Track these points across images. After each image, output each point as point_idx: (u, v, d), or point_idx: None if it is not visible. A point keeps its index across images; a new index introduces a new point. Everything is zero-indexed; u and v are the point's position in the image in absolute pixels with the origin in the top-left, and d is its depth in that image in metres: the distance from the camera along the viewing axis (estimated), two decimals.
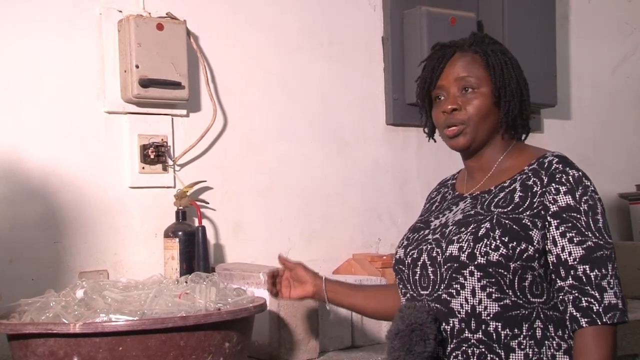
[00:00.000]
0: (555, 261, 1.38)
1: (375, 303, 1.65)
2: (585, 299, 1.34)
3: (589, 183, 1.41)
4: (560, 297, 1.38)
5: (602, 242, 1.37)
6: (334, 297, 1.67)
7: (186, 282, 1.68)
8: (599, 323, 1.33)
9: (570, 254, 1.36)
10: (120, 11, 2.08)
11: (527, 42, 2.69)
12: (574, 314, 1.35)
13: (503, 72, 1.48)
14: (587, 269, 1.35)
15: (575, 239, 1.37)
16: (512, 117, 1.49)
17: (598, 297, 1.34)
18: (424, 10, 2.53)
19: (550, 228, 1.38)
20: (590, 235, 1.37)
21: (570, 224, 1.37)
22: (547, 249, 1.39)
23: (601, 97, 3.19)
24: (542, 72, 2.74)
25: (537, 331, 1.38)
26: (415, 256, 1.48)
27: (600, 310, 1.33)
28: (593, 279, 1.34)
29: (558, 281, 1.38)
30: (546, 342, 1.39)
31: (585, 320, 1.34)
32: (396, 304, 1.53)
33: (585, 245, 1.36)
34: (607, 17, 3.22)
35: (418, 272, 1.47)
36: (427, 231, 1.51)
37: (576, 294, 1.35)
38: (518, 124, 1.52)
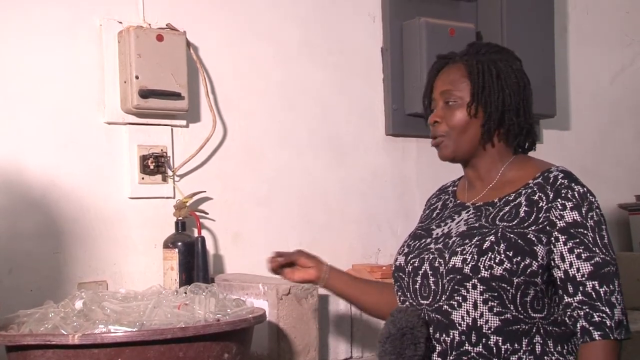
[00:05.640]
0: (563, 277, 1.37)
1: (376, 298, 1.61)
2: (597, 314, 1.34)
3: (593, 199, 1.41)
4: (569, 313, 1.37)
5: (608, 258, 1.37)
6: (334, 283, 1.63)
7: (185, 293, 1.68)
8: (611, 338, 1.34)
9: (578, 270, 1.36)
10: (121, 22, 2.09)
11: (525, 53, 2.64)
12: (587, 327, 1.34)
13: (484, 83, 1.47)
14: (597, 284, 1.35)
15: (583, 255, 1.36)
16: (494, 128, 1.48)
17: (609, 312, 1.34)
18: (423, 21, 2.54)
19: (557, 244, 1.38)
20: (597, 251, 1.36)
21: (577, 240, 1.37)
22: (553, 264, 1.38)
23: (600, 108, 3.20)
24: (540, 82, 2.74)
25: (536, 346, 1.38)
26: (416, 265, 1.47)
27: (612, 325, 1.34)
28: (602, 294, 1.34)
29: (565, 297, 1.37)
30: (545, 357, 1.38)
31: (599, 333, 1.34)
32: (395, 303, 1.52)
33: (593, 261, 1.36)
34: (606, 27, 3.23)
35: (419, 281, 1.46)
36: (428, 239, 1.51)
37: (587, 310, 1.35)
38: (504, 132, 1.49)
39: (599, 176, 3.07)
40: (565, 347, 1.39)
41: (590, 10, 3.18)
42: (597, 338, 1.34)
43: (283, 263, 1.62)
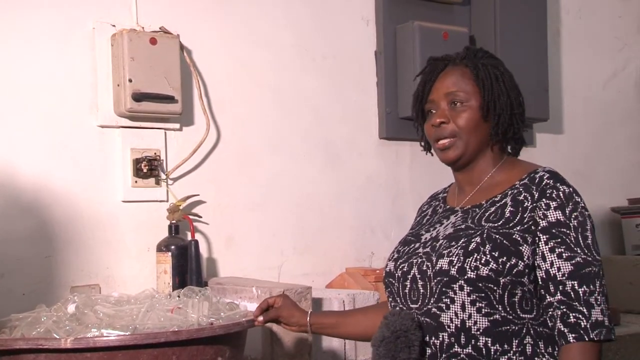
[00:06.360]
0: (544, 276, 1.38)
1: (365, 327, 1.62)
2: (574, 314, 1.34)
3: (579, 199, 1.41)
4: (550, 312, 1.38)
5: (590, 259, 1.37)
6: (320, 331, 1.67)
7: (178, 297, 1.68)
8: (586, 339, 1.33)
9: (559, 269, 1.36)
10: (114, 25, 2.09)
11: (519, 57, 2.71)
12: (562, 329, 1.35)
13: (492, 86, 1.49)
14: (576, 284, 1.35)
15: (564, 254, 1.37)
16: (502, 131, 1.50)
17: (586, 313, 1.34)
18: (416, 25, 2.55)
19: (540, 243, 1.39)
20: (579, 251, 1.37)
21: (559, 240, 1.37)
22: (536, 264, 1.39)
23: (593, 111, 3.21)
24: (534, 86, 2.76)
25: (527, 347, 1.38)
26: (405, 269, 1.48)
27: (588, 326, 1.34)
28: (581, 294, 1.35)
29: (547, 297, 1.38)
30: (536, 358, 1.38)
31: (573, 335, 1.34)
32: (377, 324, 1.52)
33: (574, 261, 1.36)
34: (599, 32, 3.24)
35: (408, 286, 1.47)
36: (417, 244, 1.51)
37: (564, 310, 1.35)
38: (509, 137, 1.52)
39: (591, 180, 3.08)
40: (557, 349, 1.39)
41: (583, 14, 3.20)
42: (571, 341, 1.34)
43: (267, 319, 1.64)
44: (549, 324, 1.38)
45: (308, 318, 1.63)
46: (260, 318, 1.62)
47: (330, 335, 1.72)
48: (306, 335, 1.74)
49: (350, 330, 1.66)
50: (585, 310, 1.34)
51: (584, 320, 1.33)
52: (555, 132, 3.08)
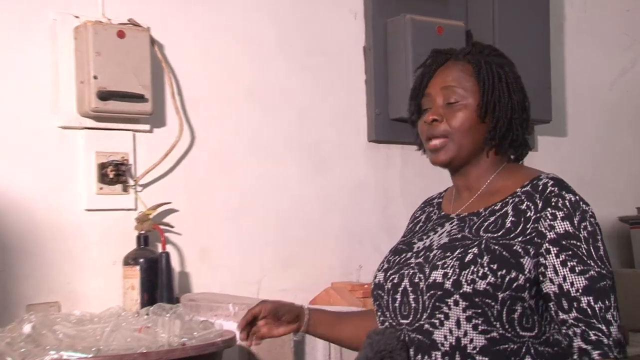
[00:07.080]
0: (557, 292, 1.38)
1: (364, 333, 1.60)
2: (593, 332, 1.35)
3: (587, 208, 1.41)
4: (564, 330, 1.38)
5: (604, 272, 1.37)
6: (316, 329, 1.63)
7: (147, 315, 1.69)
8: (611, 356, 1.34)
9: (572, 284, 1.36)
10: (77, 17, 2.07)
11: (519, 53, 2.64)
12: (584, 347, 1.35)
13: (494, 85, 1.49)
14: (592, 300, 1.35)
15: (577, 268, 1.37)
16: (500, 135, 1.49)
17: (605, 330, 1.35)
18: (408, 18, 2.55)
19: (549, 256, 1.38)
20: (592, 264, 1.37)
21: (570, 252, 1.37)
22: (543, 278, 1.39)
23: (599, 113, 3.23)
24: (536, 85, 2.75)
25: None
26: (395, 281, 1.47)
27: (611, 343, 1.35)
28: (598, 311, 1.35)
29: (560, 314, 1.38)
30: None
31: (598, 352, 1.34)
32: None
33: (587, 275, 1.36)
34: (605, 26, 3.27)
35: (398, 299, 1.46)
36: (409, 254, 1.51)
37: (583, 328, 1.36)
38: (507, 142, 1.51)
39: (597, 186, 3.09)
40: None
41: (588, 8, 3.22)
42: (596, 357, 1.34)
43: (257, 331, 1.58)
44: (564, 343, 1.38)
45: (306, 312, 1.58)
46: (243, 340, 1.55)
47: (323, 337, 1.67)
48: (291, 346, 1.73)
49: (348, 336, 1.62)
50: (604, 327, 1.35)
51: (606, 338, 1.34)
52: (559, 135, 3.10)
